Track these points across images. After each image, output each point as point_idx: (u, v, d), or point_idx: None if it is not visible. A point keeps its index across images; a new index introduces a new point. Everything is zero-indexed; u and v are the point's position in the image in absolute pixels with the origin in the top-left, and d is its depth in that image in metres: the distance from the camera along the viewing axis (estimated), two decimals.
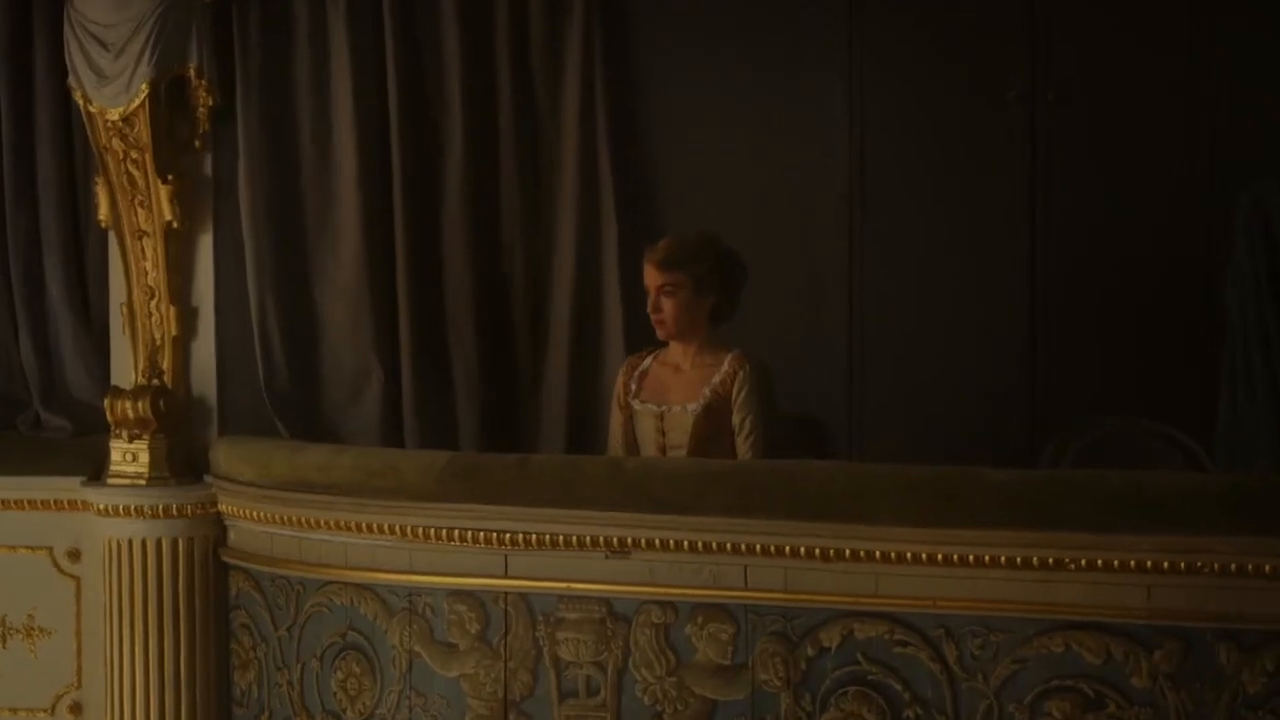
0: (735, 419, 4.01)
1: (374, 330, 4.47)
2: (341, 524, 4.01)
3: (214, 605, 4.37)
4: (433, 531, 3.87)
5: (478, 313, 4.49)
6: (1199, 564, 3.34)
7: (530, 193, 4.52)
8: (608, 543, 3.70)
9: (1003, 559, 3.44)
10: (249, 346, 4.47)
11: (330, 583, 4.07)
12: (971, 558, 3.46)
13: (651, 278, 4.04)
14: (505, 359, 4.56)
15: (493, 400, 4.52)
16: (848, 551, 3.55)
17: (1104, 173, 4.77)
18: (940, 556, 3.48)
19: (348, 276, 4.47)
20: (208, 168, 4.44)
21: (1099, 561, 3.39)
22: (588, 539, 3.71)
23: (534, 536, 3.77)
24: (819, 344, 4.81)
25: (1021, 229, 4.80)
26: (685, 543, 3.64)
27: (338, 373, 4.51)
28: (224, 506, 4.36)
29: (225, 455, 4.35)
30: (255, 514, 4.25)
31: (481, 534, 3.81)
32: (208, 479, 4.40)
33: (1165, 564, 3.37)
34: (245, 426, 4.46)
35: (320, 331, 4.51)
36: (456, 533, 3.84)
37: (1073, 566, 3.40)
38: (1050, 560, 3.41)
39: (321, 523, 4.05)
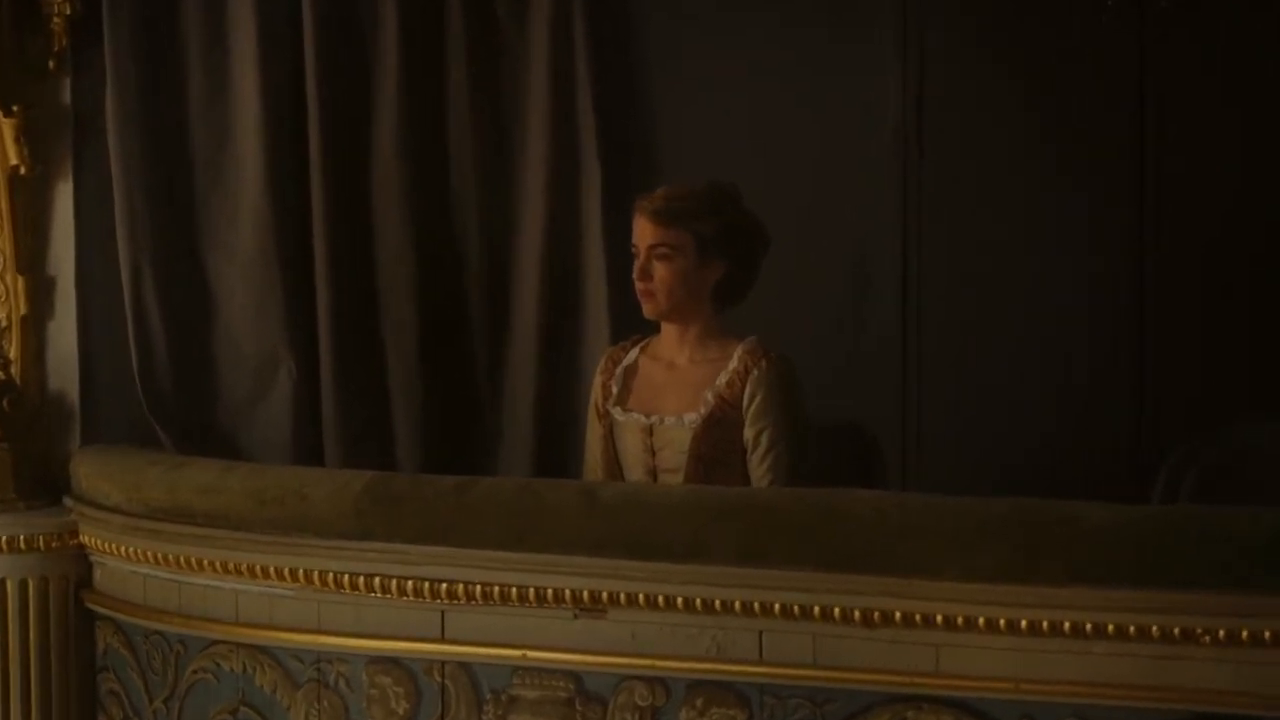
0: (748, 432, 3.82)
1: (283, 310, 4.38)
2: (230, 566, 3.85)
3: (76, 665, 4.21)
4: (347, 578, 3.70)
5: (419, 288, 4.42)
6: None
7: (488, 132, 4.42)
8: (576, 598, 3.54)
9: (1109, 627, 3.22)
10: (121, 329, 4.35)
11: (217, 642, 3.92)
12: (1067, 625, 3.24)
13: (643, 234, 3.85)
14: (455, 349, 4.47)
15: (438, 403, 4.45)
16: (899, 614, 3.34)
17: (1233, 105, 4.69)
18: (1024, 623, 3.27)
19: (248, 240, 4.37)
20: (66, 96, 4.34)
21: (1242, 632, 3.15)
22: (550, 592, 3.55)
23: (479, 588, 3.61)
24: (863, 335, 4.77)
25: (1125, 182, 4.73)
26: (680, 599, 3.47)
27: (236, 365, 4.42)
28: (86, 538, 4.19)
29: (88, 471, 4.20)
30: (124, 549, 4.08)
31: (410, 583, 3.66)
32: (68, 501, 4.25)
33: None
34: (116, 433, 4.35)
35: (213, 311, 4.42)
36: (378, 580, 3.68)
37: (1205, 639, 3.17)
38: (1175, 630, 3.19)
39: (205, 563, 3.89)
